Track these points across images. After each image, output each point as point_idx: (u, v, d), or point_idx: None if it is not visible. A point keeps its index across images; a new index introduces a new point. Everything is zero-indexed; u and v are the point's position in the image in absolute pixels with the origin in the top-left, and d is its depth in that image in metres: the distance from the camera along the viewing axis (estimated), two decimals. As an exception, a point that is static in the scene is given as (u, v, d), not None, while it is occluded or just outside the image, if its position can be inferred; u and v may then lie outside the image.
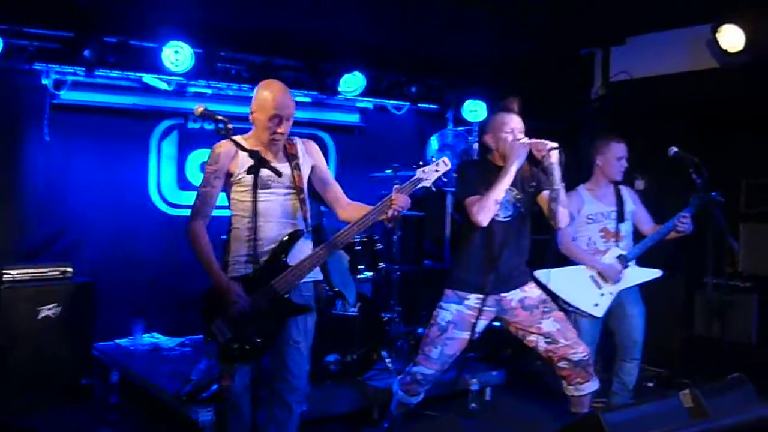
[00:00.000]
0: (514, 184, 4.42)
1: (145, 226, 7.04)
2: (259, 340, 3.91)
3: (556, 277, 4.77)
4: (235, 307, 3.84)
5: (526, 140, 4.39)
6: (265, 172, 3.85)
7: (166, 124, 7.16)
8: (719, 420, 2.63)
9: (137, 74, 6.41)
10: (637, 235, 5.45)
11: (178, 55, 6.06)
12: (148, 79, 6.49)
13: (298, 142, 4.22)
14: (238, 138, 3.96)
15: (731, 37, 5.33)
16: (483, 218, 4.35)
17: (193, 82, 6.66)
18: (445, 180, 4.37)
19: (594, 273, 5.30)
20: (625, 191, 5.51)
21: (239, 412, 4.02)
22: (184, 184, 7.30)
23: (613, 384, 5.53)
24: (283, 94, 3.99)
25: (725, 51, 5.36)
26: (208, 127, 5.71)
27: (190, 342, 6.68)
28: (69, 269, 5.87)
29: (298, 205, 4.07)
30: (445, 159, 4.06)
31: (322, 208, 5.51)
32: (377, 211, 3.94)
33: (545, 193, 4.49)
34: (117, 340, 6.55)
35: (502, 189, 4.33)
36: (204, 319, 3.98)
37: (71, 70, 6.21)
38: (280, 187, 4.02)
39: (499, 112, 4.62)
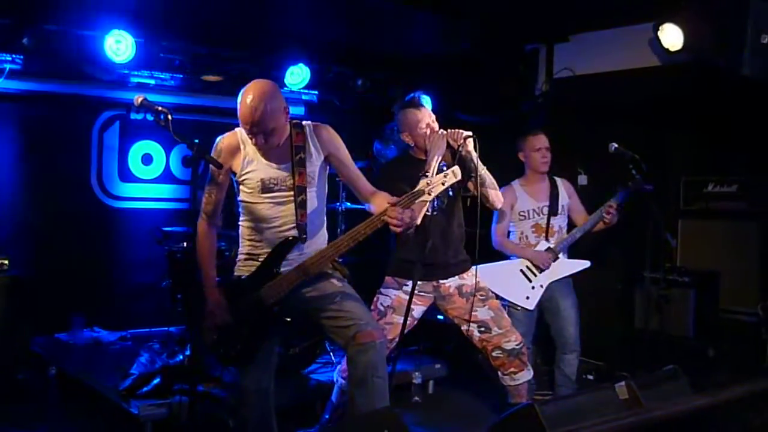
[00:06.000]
0: None
1: (86, 218, 6.96)
2: (239, 347, 3.81)
3: (485, 273, 4.82)
4: (210, 318, 3.77)
5: (442, 132, 4.46)
6: (266, 174, 3.72)
7: (107, 114, 7.07)
8: (653, 411, 2.69)
9: (78, 64, 6.26)
10: (572, 226, 5.56)
11: (119, 45, 5.94)
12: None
13: (308, 131, 3.87)
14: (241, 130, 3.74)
15: (671, 36, 5.42)
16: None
17: (135, 72, 6.51)
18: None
19: (524, 266, 5.41)
20: (560, 184, 5.59)
21: (243, 409, 3.90)
22: (126, 175, 7.21)
23: (557, 377, 5.62)
24: (250, 108, 3.54)
25: (666, 49, 5.45)
26: (150, 118, 5.68)
27: (131, 336, 6.61)
28: (5, 262, 5.74)
29: (293, 209, 3.79)
30: (455, 170, 3.74)
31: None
32: (367, 226, 3.67)
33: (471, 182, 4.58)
34: (56, 335, 6.43)
35: None
36: (197, 316, 3.85)
37: (9, 58, 6.04)
38: (282, 190, 3.78)
39: (408, 108, 4.65)
